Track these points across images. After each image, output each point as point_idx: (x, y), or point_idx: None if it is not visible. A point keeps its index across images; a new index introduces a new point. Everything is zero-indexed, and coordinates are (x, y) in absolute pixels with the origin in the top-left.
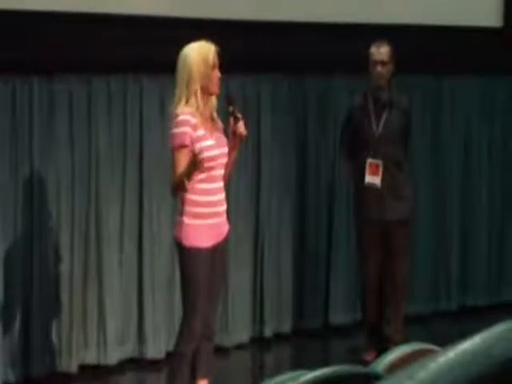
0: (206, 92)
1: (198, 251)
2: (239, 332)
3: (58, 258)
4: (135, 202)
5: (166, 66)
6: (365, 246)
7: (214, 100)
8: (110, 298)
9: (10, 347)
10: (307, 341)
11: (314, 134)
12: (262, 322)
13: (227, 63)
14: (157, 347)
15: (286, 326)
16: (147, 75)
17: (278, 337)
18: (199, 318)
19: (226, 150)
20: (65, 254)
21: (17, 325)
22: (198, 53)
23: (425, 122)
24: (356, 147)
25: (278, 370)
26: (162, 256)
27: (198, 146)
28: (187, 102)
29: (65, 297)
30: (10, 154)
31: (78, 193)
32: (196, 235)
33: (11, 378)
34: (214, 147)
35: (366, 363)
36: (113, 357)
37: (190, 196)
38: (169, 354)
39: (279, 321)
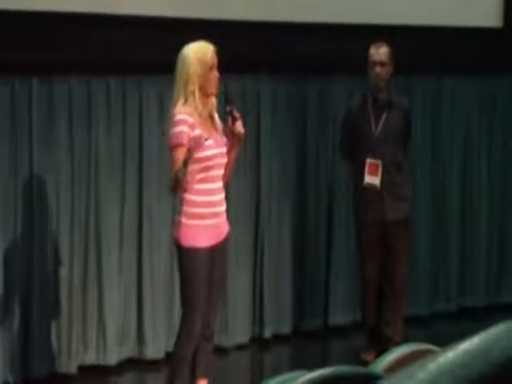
0: (204, 92)
1: (196, 251)
2: (239, 332)
3: (57, 259)
4: (134, 202)
5: (166, 66)
6: (364, 246)
7: (213, 100)
8: (110, 299)
9: (9, 348)
10: (307, 341)
11: (314, 134)
12: (261, 322)
13: (226, 63)
14: (156, 348)
15: (286, 327)
16: (146, 76)
17: (278, 337)
18: (198, 318)
19: (224, 150)
20: (64, 254)
21: (16, 325)
22: (196, 54)
23: (425, 122)
24: (355, 148)
25: (277, 371)
26: (161, 257)
27: (203, 141)
28: (185, 102)
29: (64, 297)
30: (10, 154)
31: (77, 194)
32: (194, 235)
33: (11, 378)
34: (211, 147)
35: (365, 364)
36: (112, 357)
37: (189, 196)
38: (168, 355)
39: (279, 321)
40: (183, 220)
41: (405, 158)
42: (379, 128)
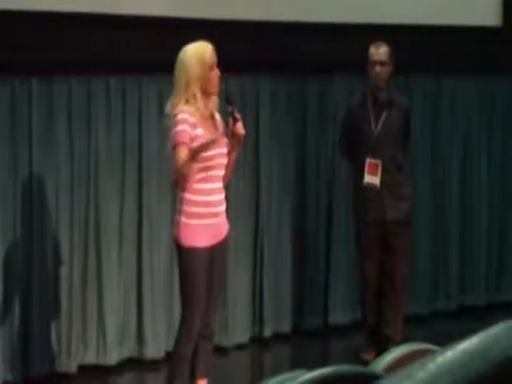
0: (205, 92)
1: (195, 251)
2: (239, 332)
3: (57, 258)
4: (134, 202)
5: (165, 66)
6: (364, 245)
7: (215, 100)
8: (110, 298)
9: (9, 347)
10: (307, 341)
11: (313, 134)
12: (261, 321)
13: (226, 63)
14: (156, 347)
15: (286, 326)
16: (146, 75)
17: (278, 337)
18: (197, 318)
19: (225, 150)
20: (64, 254)
21: (16, 325)
22: (195, 54)
23: (424, 121)
24: (355, 147)
25: (277, 370)
26: (161, 256)
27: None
28: (187, 102)
29: (64, 297)
30: (10, 154)
31: (77, 193)
32: (193, 235)
33: (11, 378)
34: (212, 147)
35: (365, 363)
36: (112, 357)
37: (188, 195)
38: (168, 354)
39: (279, 321)
40: (183, 219)
41: (405, 158)
42: (379, 127)
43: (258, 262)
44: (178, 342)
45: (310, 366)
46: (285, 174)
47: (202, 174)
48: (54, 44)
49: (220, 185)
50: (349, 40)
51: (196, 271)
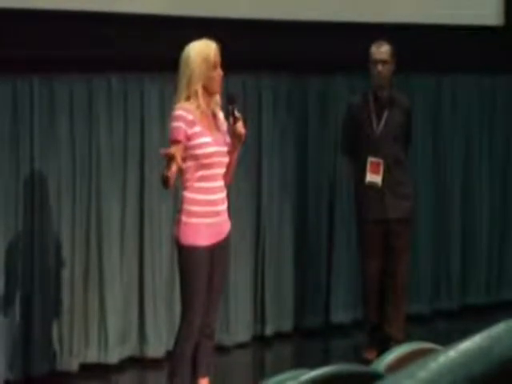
0: (207, 91)
1: (195, 250)
2: (240, 331)
3: (59, 257)
4: (136, 200)
5: (167, 64)
6: (366, 244)
7: (217, 98)
8: (111, 297)
9: (11, 346)
10: (308, 339)
11: (315, 133)
12: (263, 320)
13: (228, 62)
14: (158, 346)
15: (287, 325)
16: (148, 74)
17: (279, 335)
18: (197, 317)
19: (225, 149)
20: (66, 252)
21: (18, 324)
22: (199, 52)
23: (425, 120)
24: (357, 146)
25: (278, 369)
26: (162, 255)
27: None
28: (188, 99)
29: (66, 295)
30: (11, 153)
31: (78, 192)
32: (194, 234)
33: (12, 376)
34: (210, 144)
35: (367, 362)
36: (114, 356)
37: (189, 194)
38: (170, 353)
39: (280, 319)
40: (183, 218)
41: (406, 157)
42: (381, 126)
43: (260, 260)
44: (178, 340)
45: (312, 365)
46: (286, 173)
47: (202, 172)
48: (55, 43)
49: (221, 183)
50: (350, 39)
51: (196, 270)
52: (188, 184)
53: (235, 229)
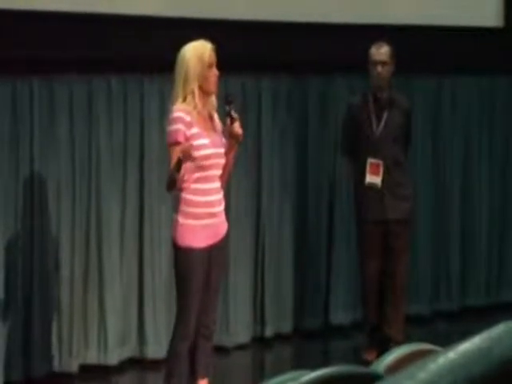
0: (203, 91)
1: (191, 251)
2: (240, 332)
3: (58, 258)
4: (136, 201)
5: (167, 65)
6: (365, 245)
7: (213, 99)
8: (111, 298)
9: (11, 347)
10: (308, 341)
11: (315, 134)
12: (262, 321)
13: (227, 63)
14: (157, 347)
15: (287, 326)
16: (148, 75)
17: (279, 337)
18: (193, 317)
19: (222, 150)
20: (65, 253)
21: (18, 325)
22: (194, 52)
23: (425, 121)
24: (356, 147)
25: (278, 370)
26: (162, 256)
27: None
28: (184, 100)
29: (65, 297)
30: (11, 153)
31: (78, 192)
32: (190, 235)
33: (12, 377)
34: (208, 146)
35: (366, 363)
36: (113, 357)
37: (186, 195)
38: None
39: (280, 321)
40: (180, 219)
41: (406, 158)
42: (380, 127)
43: (259, 261)
44: (173, 340)
45: (311, 366)
46: (286, 174)
47: (199, 174)
48: (55, 44)
49: (218, 184)
50: (350, 40)
51: (192, 271)
52: (185, 185)
53: (235, 229)
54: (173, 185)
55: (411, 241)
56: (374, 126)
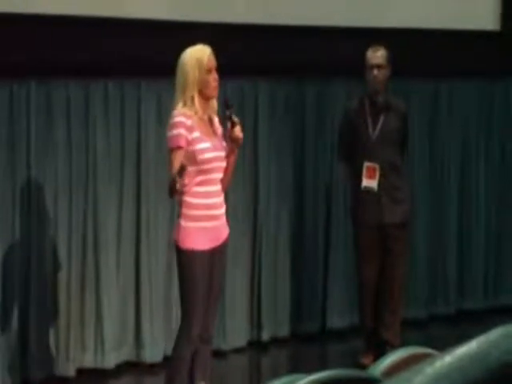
0: (203, 96)
1: (194, 254)
2: (237, 336)
3: (55, 262)
4: (133, 205)
5: (164, 69)
6: (362, 249)
7: (214, 103)
8: (108, 302)
9: (7, 351)
10: (305, 344)
11: (312, 137)
12: (259, 325)
13: (225, 66)
14: (154, 351)
15: (284, 330)
16: (145, 79)
17: (276, 341)
18: (197, 321)
19: (223, 153)
20: (62, 257)
21: (14, 328)
22: (193, 58)
23: (422, 125)
24: (353, 151)
25: (275, 374)
26: (159, 260)
27: (196, 147)
28: (184, 104)
29: (62, 300)
30: (8, 157)
31: (75, 196)
32: (192, 238)
33: (9, 381)
34: (209, 150)
35: (363, 367)
36: (110, 360)
37: (187, 198)
38: (166, 358)
39: (277, 325)
40: (182, 222)
41: (402, 161)
42: (377, 131)
43: (256, 265)
44: (177, 344)
45: (308, 370)
46: (283, 178)
47: (200, 177)
48: (52, 47)
49: (219, 187)
50: (347, 43)
51: (195, 274)
52: (187, 188)
53: (232, 233)
54: (175, 190)
55: (408, 244)
56: (371, 129)
